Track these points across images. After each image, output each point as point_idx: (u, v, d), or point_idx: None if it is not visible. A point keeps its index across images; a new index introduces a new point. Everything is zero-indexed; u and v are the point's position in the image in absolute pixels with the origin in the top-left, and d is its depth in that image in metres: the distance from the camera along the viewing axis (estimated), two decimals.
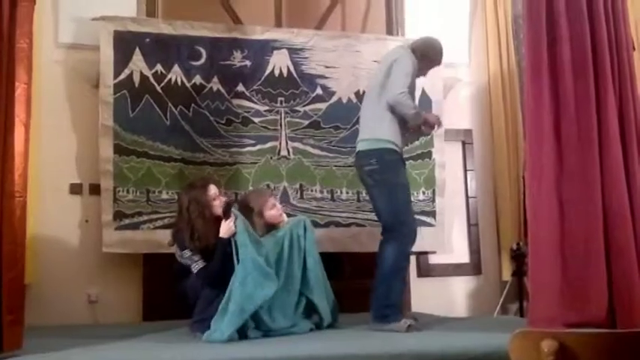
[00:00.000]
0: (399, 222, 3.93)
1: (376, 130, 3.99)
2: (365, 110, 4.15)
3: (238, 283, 3.62)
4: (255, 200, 4.13)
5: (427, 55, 4.22)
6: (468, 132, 5.77)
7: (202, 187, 4.00)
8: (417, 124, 4.10)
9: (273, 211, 4.10)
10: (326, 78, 5.32)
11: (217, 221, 3.89)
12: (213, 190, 4.01)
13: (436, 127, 4.23)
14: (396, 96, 3.92)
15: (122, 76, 4.86)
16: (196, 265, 3.82)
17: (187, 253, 3.85)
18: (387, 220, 3.99)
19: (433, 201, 5.41)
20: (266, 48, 5.22)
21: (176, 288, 3.93)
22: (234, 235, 3.76)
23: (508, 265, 5.47)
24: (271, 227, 4.07)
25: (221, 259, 3.78)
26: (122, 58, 4.88)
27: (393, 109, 3.97)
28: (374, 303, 3.92)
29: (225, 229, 3.81)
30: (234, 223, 3.77)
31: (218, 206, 3.95)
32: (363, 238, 5.11)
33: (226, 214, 3.86)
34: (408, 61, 4.04)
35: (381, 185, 3.98)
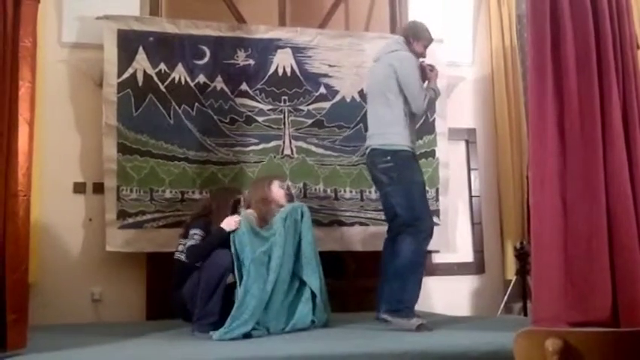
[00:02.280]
0: (416, 218, 3.95)
1: (392, 135, 4.00)
2: (375, 111, 4.12)
3: (245, 287, 3.70)
4: (262, 183, 4.25)
5: (420, 36, 4.23)
6: (471, 131, 5.77)
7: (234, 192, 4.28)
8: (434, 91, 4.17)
9: (281, 191, 4.20)
10: (329, 77, 5.32)
11: None
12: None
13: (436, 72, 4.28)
14: (423, 108, 4.06)
15: (126, 75, 4.87)
16: (192, 242, 3.89)
17: (194, 230, 3.92)
18: (404, 217, 3.99)
19: (437, 200, 5.40)
20: (270, 47, 5.22)
21: (174, 297, 3.93)
22: (234, 230, 3.81)
23: (512, 264, 5.46)
24: (267, 213, 4.13)
25: (212, 245, 3.84)
26: (126, 57, 4.89)
27: (412, 113, 4.06)
28: (387, 295, 3.90)
29: (227, 222, 3.86)
30: (238, 221, 3.83)
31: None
32: (367, 237, 5.11)
33: (234, 210, 3.97)
34: (411, 62, 4.07)
35: (396, 183, 3.98)
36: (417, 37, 4.21)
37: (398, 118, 3.99)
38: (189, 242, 3.91)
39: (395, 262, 3.92)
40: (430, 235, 4.04)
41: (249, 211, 4.02)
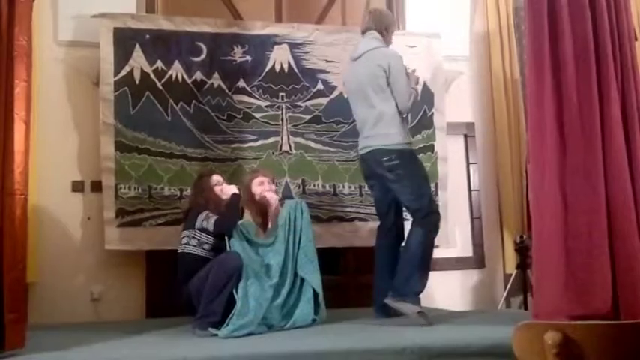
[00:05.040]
0: (430, 212, 4.05)
1: (393, 135, 4.03)
2: (367, 112, 4.13)
3: (244, 289, 3.70)
4: (245, 178, 4.32)
5: (391, 27, 4.30)
6: (470, 125, 5.76)
7: (207, 176, 4.28)
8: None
9: (260, 188, 4.20)
10: (327, 72, 5.30)
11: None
12: (215, 178, 4.23)
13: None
14: (409, 106, 4.11)
15: (123, 73, 4.85)
16: (212, 218, 3.94)
17: (204, 214, 3.97)
18: (416, 212, 4.06)
19: (436, 195, 5.36)
20: (267, 43, 5.20)
21: (180, 294, 3.92)
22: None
23: (512, 258, 5.46)
24: (265, 212, 4.16)
25: (234, 211, 3.96)
26: (122, 55, 4.87)
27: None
28: (396, 282, 3.95)
29: (230, 189, 4.06)
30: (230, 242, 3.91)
31: (220, 191, 4.15)
32: (366, 233, 5.10)
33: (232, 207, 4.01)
34: (399, 60, 4.09)
35: (405, 178, 4.02)
36: (388, 29, 4.26)
37: (394, 117, 4.03)
38: (211, 221, 3.93)
39: (406, 254, 4.01)
40: (437, 228, 4.13)
41: (246, 220, 4.04)
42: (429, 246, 4.07)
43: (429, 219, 4.04)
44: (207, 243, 3.95)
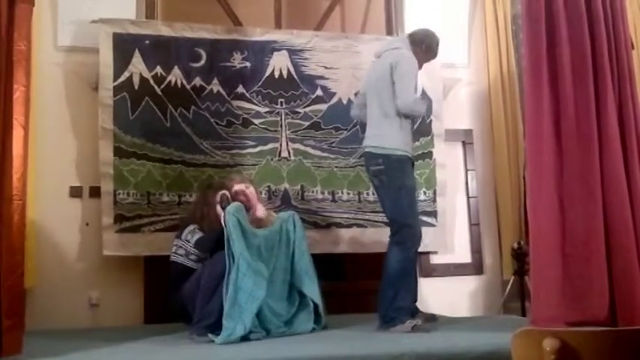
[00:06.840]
0: (403, 225, 3.91)
1: (385, 138, 3.97)
2: (371, 110, 4.11)
3: (235, 285, 3.64)
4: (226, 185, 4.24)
5: (430, 49, 4.22)
6: (468, 132, 5.76)
7: (216, 190, 4.16)
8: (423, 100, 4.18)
9: (241, 197, 4.16)
10: (326, 79, 5.31)
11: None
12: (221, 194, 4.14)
13: None
14: (409, 105, 3.94)
15: (122, 79, 4.86)
16: (197, 235, 3.97)
17: (191, 227, 4.01)
18: (391, 223, 3.98)
19: (434, 201, 5.39)
20: (266, 49, 5.21)
21: (173, 300, 3.92)
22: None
23: (509, 264, 5.45)
24: (259, 225, 4.10)
25: (217, 234, 3.83)
26: (122, 60, 4.87)
27: (405, 114, 3.99)
28: (381, 306, 3.89)
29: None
30: (224, 218, 3.80)
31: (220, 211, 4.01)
32: (365, 239, 5.10)
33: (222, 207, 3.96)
34: (410, 62, 4.02)
35: (386, 187, 3.96)
36: (427, 49, 4.21)
37: (392, 121, 3.96)
38: (196, 236, 3.96)
39: (386, 272, 3.90)
40: (418, 242, 4.00)
41: (238, 203, 4.00)
42: (409, 262, 3.94)
43: (403, 234, 3.89)
44: (193, 254, 3.97)
